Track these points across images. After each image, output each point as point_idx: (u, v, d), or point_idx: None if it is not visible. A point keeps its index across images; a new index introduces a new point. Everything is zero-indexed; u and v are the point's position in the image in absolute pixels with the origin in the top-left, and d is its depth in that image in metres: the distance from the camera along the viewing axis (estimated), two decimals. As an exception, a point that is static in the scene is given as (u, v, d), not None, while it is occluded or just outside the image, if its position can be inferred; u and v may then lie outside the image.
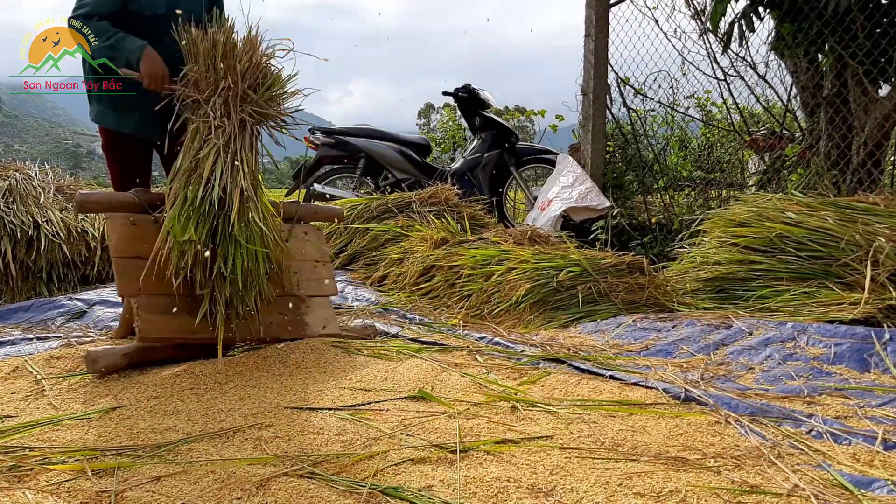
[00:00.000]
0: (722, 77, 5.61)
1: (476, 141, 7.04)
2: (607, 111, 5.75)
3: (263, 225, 2.79)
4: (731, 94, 5.70)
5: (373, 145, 6.81)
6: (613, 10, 5.62)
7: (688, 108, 6.32)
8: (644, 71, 5.78)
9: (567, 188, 5.56)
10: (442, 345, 3.02)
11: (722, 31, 5.13)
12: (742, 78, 5.62)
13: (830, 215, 3.57)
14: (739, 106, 5.88)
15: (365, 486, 1.59)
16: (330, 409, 2.16)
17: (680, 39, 5.62)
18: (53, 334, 3.31)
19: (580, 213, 5.41)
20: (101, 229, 4.63)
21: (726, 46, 5.32)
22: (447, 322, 3.58)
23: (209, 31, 2.80)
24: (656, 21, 5.57)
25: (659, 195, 5.87)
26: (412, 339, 3.17)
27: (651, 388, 2.32)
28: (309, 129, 6.98)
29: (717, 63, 5.58)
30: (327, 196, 6.27)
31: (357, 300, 4.19)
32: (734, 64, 5.56)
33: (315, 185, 6.66)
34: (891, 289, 3.11)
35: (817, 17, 4.50)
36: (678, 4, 5.67)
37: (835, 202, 3.74)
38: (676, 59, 5.72)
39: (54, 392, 2.41)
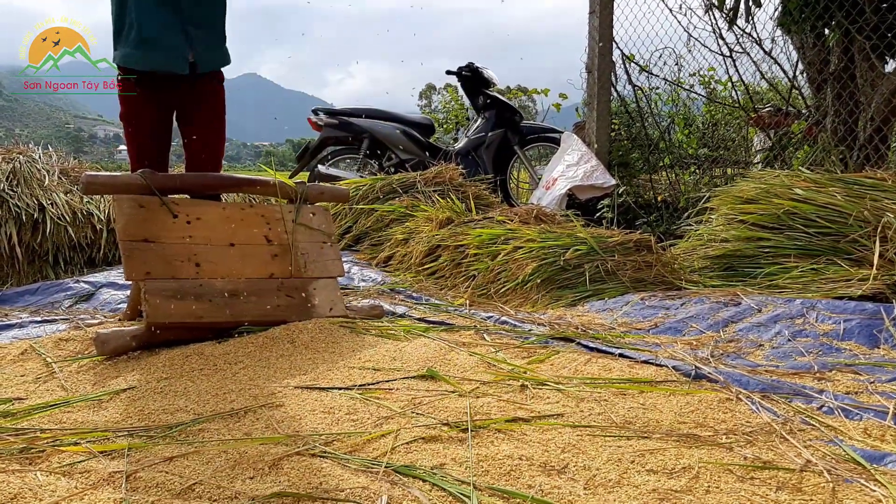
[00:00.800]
0: (728, 53, 5.56)
1: (480, 120, 7.01)
2: (612, 89, 5.71)
3: None
4: (738, 70, 5.66)
5: (376, 126, 6.79)
6: (618, -14, 5.57)
7: (692, 85, 6.29)
8: (650, 48, 5.74)
9: (572, 167, 5.54)
10: (449, 324, 3.01)
11: (728, 6, 5.08)
12: (748, 54, 5.58)
13: (838, 191, 3.55)
14: (745, 82, 5.84)
15: (379, 465, 1.59)
16: (340, 389, 2.16)
17: (685, 15, 5.58)
18: (61, 317, 3.31)
19: (585, 191, 5.39)
20: (107, 212, 4.63)
21: (732, 22, 5.27)
22: (454, 302, 3.58)
23: None
24: (661, -4, 5.52)
25: (665, 173, 5.85)
26: (419, 319, 3.17)
27: (661, 365, 2.31)
28: (312, 111, 6.96)
29: (723, 39, 5.53)
30: (332, 177, 6.26)
31: (363, 280, 4.19)
32: (740, 40, 5.52)
33: (319, 166, 6.65)
34: (900, 265, 3.10)
35: (825, -9, 4.46)
36: (683, -20, 5.62)
37: (842, 178, 3.72)
38: (682, 36, 5.69)
39: (64, 374, 2.42)
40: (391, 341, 2.71)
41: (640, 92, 5.85)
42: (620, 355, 2.45)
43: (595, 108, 5.62)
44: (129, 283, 3.16)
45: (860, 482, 1.50)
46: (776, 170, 4.40)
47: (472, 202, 4.86)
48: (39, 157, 4.94)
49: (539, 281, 3.51)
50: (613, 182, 5.33)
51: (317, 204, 3.31)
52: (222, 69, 3.39)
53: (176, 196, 2.99)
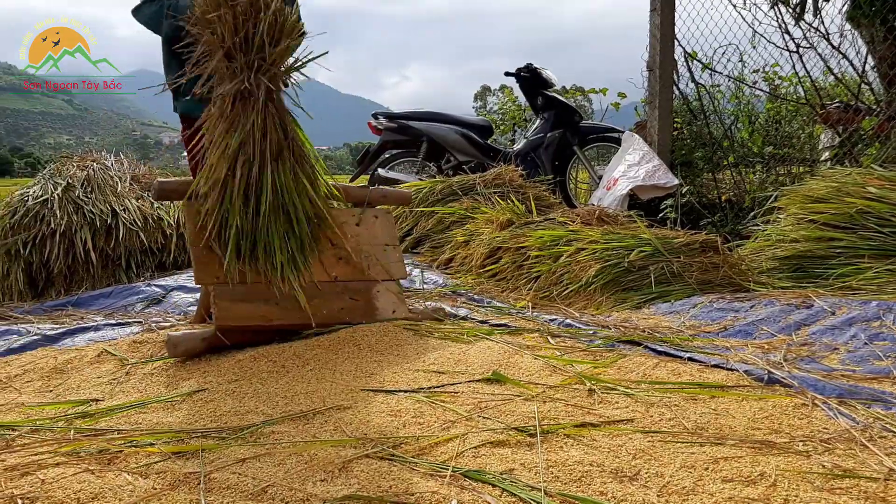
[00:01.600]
0: (794, 49, 5.41)
1: (538, 121, 6.97)
2: (674, 87, 5.62)
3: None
4: (805, 66, 5.50)
5: (435, 128, 6.81)
6: (680, -18, 5.48)
7: (755, 82, 6.13)
8: (713, 44, 5.63)
9: (633, 166, 5.46)
10: (512, 327, 3.00)
11: (795, 0, 4.94)
12: (815, 49, 5.41)
13: (914, 189, 3.42)
14: (812, 78, 5.67)
15: (446, 469, 1.59)
16: (405, 392, 2.17)
17: (750, 11, 5.45)
18: (134, 319, 3.42)
19: (647, 191, 5.31)
20: (176, 217, 4.75)
21: (799, 17, 5.13)
22: (516, 304, 3.56)
23: None
24: (725, -8, 5.40)
25: (729, 172, 5.72)
26: (482, 322, 3.16)
27: (732, 369, 2.26)
28: (372, 115, 7.02)
29: (789, 34, 5.38)
30: (391, 181, 6.31)
31: (425, 283, 4.20)
32: (806, 35, 5.36)
33: (379, 169, 6.71)
34: (983, 265, 2.97)
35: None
36: (747, -25, 5.49)
37: (918, 175, 3.59)
38: (746, 32, 5.56)
39: (138, 376, 2.49)
40: (455, 344, 2.71)
41: (702, 89, 5.73)
42: (689, 359, 2.40)
43: (657, 107, 5.53)
44: (199, 286, 3.23)
45: (949, 493, 1.44)
46: (847, 168, 4.26)
47: (532, 203, 4.83)
48: (111, 165, 5.11)
49: (603, 283, 3.47)
50: (676, 181, 5.24)
51: (379, 207, 3.34)
52: None
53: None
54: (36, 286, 4.42)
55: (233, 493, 1.50)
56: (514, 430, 1.81)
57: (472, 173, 5.87)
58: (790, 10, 5.19)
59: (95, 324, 3.29)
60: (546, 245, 3.93)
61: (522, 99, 9.16)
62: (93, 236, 4.42)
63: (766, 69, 6.12)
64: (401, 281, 3.25)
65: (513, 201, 4.80)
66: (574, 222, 4.11)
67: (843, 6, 5.05)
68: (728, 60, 5.75)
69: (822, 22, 5.23)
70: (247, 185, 2.72)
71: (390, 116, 6.94)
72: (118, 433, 1.90)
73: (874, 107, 5.16)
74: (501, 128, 10.51)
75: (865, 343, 2.53)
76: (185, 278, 4.18)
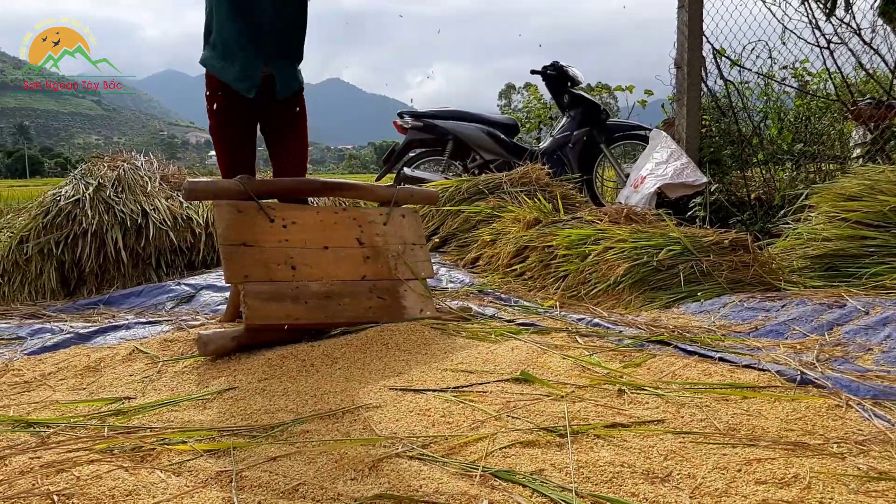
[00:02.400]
0: (825, 45, 5.33)
1: (565, 119, 6.93)
2: (702, 84, 5.56)
3: None
4: (836, 62, 5.41)
5: (460, 127, 6.80)
6: (708, -22, 5.42)
7: (784, 78, 6.05)
8: (742, 41, 5.56)
9: (661, 164, 5.41)
10: (540, 326, 2.99)
11: (826, -4, 4.87)
12: (846, 45, 5.33)
13: (950, 187, 3.36)
14: (844, 74, 5.58)
15: (476, 469, 1.59)
16: (434, 391, 2.17)
17: (780, 6, 5.38)
18: (164, 318, 3.45)
19: (676, 189, 5.26)
20: (205, 216, 4.79)
21: (830, 12, 5.05)
22: (543, 303, 3.54)
23: None
24: (754, -12, 5.34)
25: (758, 169, 5.65)
26: (509, 321, 3.15)
27: (764, 370, 2.23)
28: (398, 114, 7.03)
29: (820, 30, 5.30)
30: (417, 179, 6.31)
31: (451, 282, 4.20)
32: (837, 30, 5.28)
33: (405, 168, 6.72)
34: None
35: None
36: (777, -30, 5.42)
37: (954, 173, 3.52)
38: (775, 28, 5.48)
39: (169, 374, 2.51)
40: (482, 343, 2.71)
41: (731, 86, 5.67)
42: (720, 359, 2.38)
43: (685, 104, 5.47)
44: (228, 285, 3.25)
45: None
46: (879, 165, 4.19)
47: (559, 202, 4.80)
48: (141, 165, 5.16)
49: (631, 282, 3.44)
50: (705, 179, 5.19)
51: (406, 206, 3.34)
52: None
53: (270, 200, 3.07)
54: (68, 285, 4.49)
55: (264, 492, 1.51)
56: (543, 431, 1.81)
57: (498, 172, 5.86)
58: (821, 6, 5.12)
59: (126, 322, 3.33)
60: (573, 244, 3.91)
61: (548, 97, 9.12)
62: (123, 236, 4.47)
63: (796, 65, 6.04)
64: (427, 280, 3.25)
65: (539, 200, 4.78)
66: (602, 221, 4.09)
67: (875, 1, 4.97)
68: (757, 57, 5.69)
69: (854, 17, 5.15)
70: None
71: (416, 115, 6.94)
72: (151, 431, 1.92)
73: (908, 103, 5.07)
74: (527, 126, 10.47)
75: (900, 343, 2.49)
76: (215, 277, 4.22)
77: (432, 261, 3.43)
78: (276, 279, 2.81)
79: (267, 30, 3.13)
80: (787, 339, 2.67)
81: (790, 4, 5.35)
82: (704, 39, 5.47)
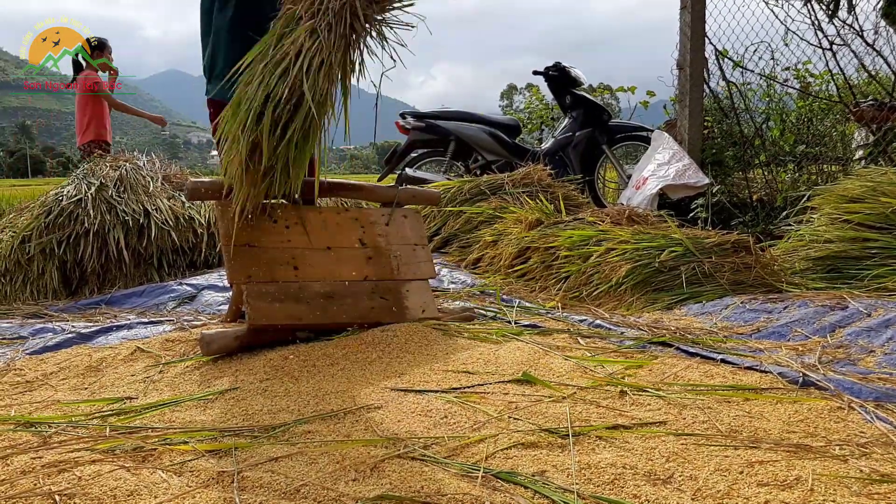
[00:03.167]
0: (828, 46, 5.32)
1: (567, 120, 6.94)
2: (705, 85, 5.56)
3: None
4: (838, 63, 5.41)
5: (462, 128, 6.81)
6: (710, -20, 5.42)
7: (786, 79, 6.04)
8: (744, 42, 5.55)
9: (663, 165, 5.41)
10: (542, 327, 2.99)
11: (828, -2, 4.87)
12: (849, 46, 5.32)
13: (953, 189, 3.35)
14: (845, 76, 5.58)
15: (478, 470, 1.59)
16: (435, 392, 2.17)
17: (782, 8, 5.37)
18: (166, 318, 3.45)
19: (678, 190, 5.26)
20: (207, 216, 4.79)
21: (833, 14, 5.05)
22: (545, 304, 3.54)
23: None
24: (757, -11, 5.34)
25: (761, 171, 5.65)
26: (511, 322, 3.15)
27: (766, 372, 2.23)
28: (399, 114, 7.04)
29: (822, 31, 5.30)
30: (419, 180, 6.31)
31: (453, 283, 4.20)
32: (840, 32, 5.27)
33: (406, 169, 6.72)
34: None
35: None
36: (780, -29, 5.41)
37: (957, 175, 3.52)
38: (777, 29, 5.48)
39: (171, 374, 2.51)
40: (484, 344, 2.70)
41: (733, 87, 5.66)
42: (722, 361, 2.38)
43: (687, 106, 5.47)
44: (230, 285, 3.26)
45: None
46: (882, 167, 4.19)
47: (561, 203, 4.80)
48: (143, 164, 5.17)
49: (633, 283, 3.44)
50: (707, 181, 5.19)
51: (408, 207, 3.34)
52: None
53: (273, 201, 3.07)
54: (70, 285, 4.49)
55: (266, 492, 1.51)
56: (545, 432, 1.81)
57: (500, 173, 5.86)
58: (823, 7, 5.11)
59: (128, 322, 3.34)
60: (575, 245, 3.91)
61: (550, 97, 9.13)
62: (125, 235, 4.47)
63: (798, 66, 6.03)
64: (429, 281, 3.25)
65: (541, 201, 4.78)
66: (603, 222, 4.09)
67: (878, 2, 4.97)
68: (759, 58, 5.68)
69: (856, 19, 5.15)
70: None
71: (418, 116, 6.95)
72: (152, 431, 1.92)
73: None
74: (529, 127, 10.48)
75: (903, 345, 2.48)
76: (216, 277, 4.22)
77: (434, 261, 3.43)
78: (279, 279, 2.81)
79: None
80: (789, 340, 2.66)
81: (793, 6, 5.35)
82: (707, 41, 5.48)
